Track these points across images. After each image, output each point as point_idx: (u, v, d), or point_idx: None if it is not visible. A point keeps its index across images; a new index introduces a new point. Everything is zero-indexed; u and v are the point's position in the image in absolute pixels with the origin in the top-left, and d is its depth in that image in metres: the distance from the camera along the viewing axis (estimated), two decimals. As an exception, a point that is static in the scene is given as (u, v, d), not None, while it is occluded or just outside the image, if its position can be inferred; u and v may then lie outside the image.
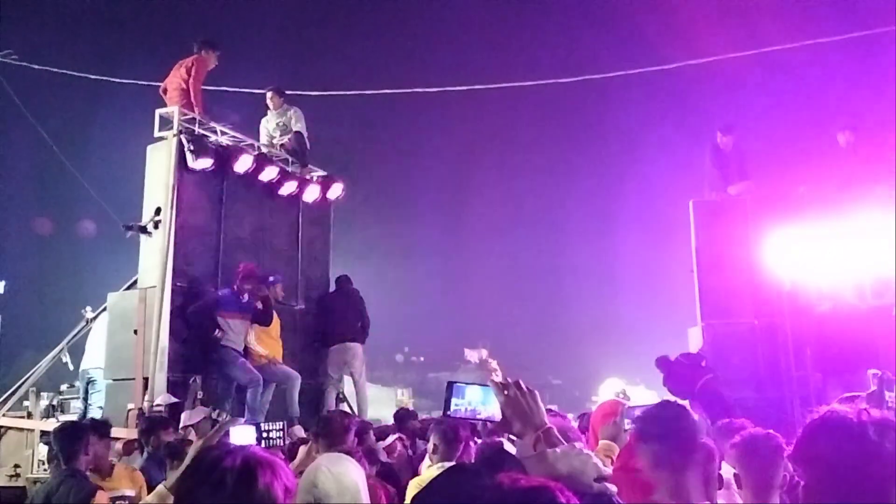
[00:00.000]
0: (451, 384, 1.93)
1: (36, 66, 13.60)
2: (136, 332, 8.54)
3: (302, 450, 4.45)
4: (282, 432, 3.12)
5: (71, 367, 9.86)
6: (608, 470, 1.81)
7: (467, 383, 1.96)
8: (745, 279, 10.26)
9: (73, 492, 4.24)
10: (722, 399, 8.74)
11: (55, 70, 13.91)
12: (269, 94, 10.59)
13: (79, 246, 16.73)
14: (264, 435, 2.97)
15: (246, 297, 8.76)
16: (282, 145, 10.50)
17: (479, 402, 1.96)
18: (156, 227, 8.83)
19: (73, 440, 4.52)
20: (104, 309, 9.30)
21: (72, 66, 13.75)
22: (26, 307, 15.17)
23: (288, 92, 10.90)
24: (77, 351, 9.74)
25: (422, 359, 21.06)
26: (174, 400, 7.95)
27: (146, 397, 8.17)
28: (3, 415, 9.07)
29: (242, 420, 7.12)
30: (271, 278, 9.29)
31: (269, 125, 10.62)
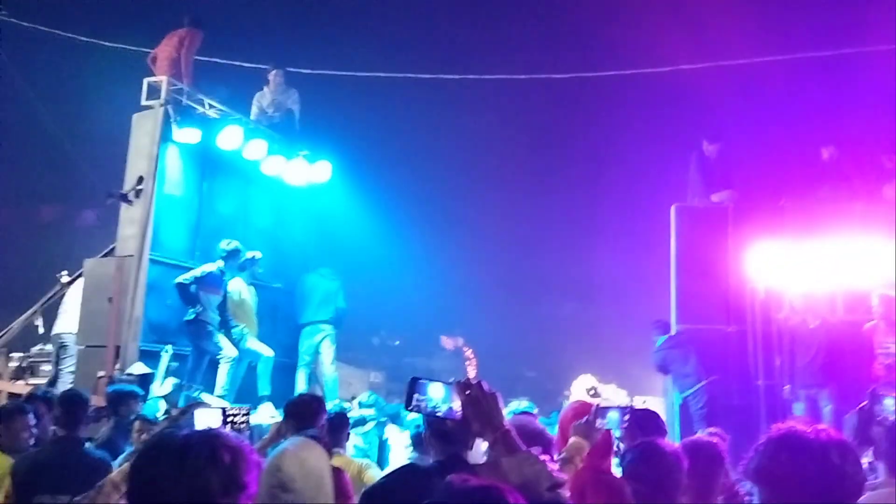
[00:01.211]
0: (414, 380, 1.96)
1: (25, 24, 13.43)
2: (110, 299, 8.51)
3: (272, 429, 4.51)
4: (247, 417, 3.12)
5: (42, 331, 9.81)
6: (563, 477, 1.85)
7: (431, 380, 1.98)
8: (721, 286, 10.36)
9: (82, 458, 4.26)
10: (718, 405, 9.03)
11: (44, 29, 13.72)
12: (273, 71, 10.50)
13: (58, 208, 16.56)
14: (229, 419, 2.97)
15: (226, 274, 8.78)
16: (271, 122, 10.46)
17: (441, 400, 1.99)
18: (137, 196, 8.80)
19: (73, 408, 4.55)
20: (80, 274, 9.25)
21: (63, 27, 13.56)
22: (4, 267, 15.02)
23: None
24: (50, 315, 9.68)
25: (397, 343, 21.07)
26: (146, 370, 7.95)
27: (117, 366, 8.16)
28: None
29: (211, 400, 7.14)
30: (251, 256, 9.28)
31: (263, 101, 10.55)
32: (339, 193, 11.29)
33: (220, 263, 8.78)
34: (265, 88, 10.57)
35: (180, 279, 8.53)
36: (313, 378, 10.20)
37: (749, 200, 10.73)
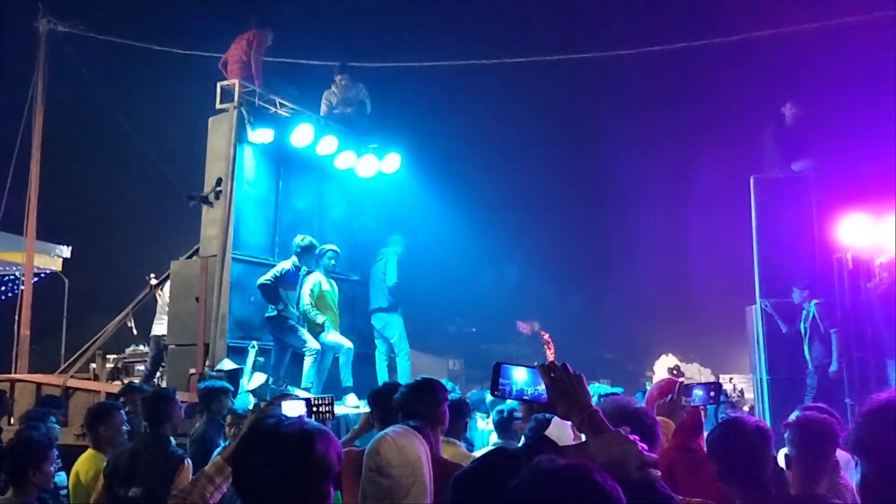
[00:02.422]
0: (499, 365, 1.98)
1: (101, 37, 13.94)
2: (197, 299, 8.80)
3: (361, 419, 4.63)
4: (331, 406, 3.20)
5: (135, 332, 10.23)
6: (653, 456, 1.83)
7: (515, 364, 2.00)
8: (806, 257, 10.05)
9: (161, 457, 4.44)
10: None
11: (119, 41, 14.23)
12: (339, 68, 10.62)
13: (144, 212, 17.18)
14: (314, 409, 3.05)
15: (303, 269, 8.97)
16: (342, 116, 10.59)
17: (526, 384, 2.00)
18: (217, 197, 9.05)
19: (158, 406, 4.72)
20: (167, 276, 9.59)
21: (136, 37, 14.03)
22: (92, 272, 15.69)
23: (352, 63, 10.93)
24: (142, 316, 10.09)
25: (474, 330, 21.14)
26: (234, 366, 8.19)
27: (207, 363, 8.44)
28: (72, 376, 9.47)
29: (294, 393, 7.30)
30: (318, 250, 9.42)
31: (332, 99, 10.68)
32: (411, 183, 11.38)
33: (295, 259, 8.96)
34: (333, 87, 10.69)
35: (262, 280, 8.72)
36: (392, 366, 10.32)
37: (831, 168, 10.35)
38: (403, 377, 9.82)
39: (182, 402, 5.42)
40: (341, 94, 10.63)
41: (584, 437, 1.91)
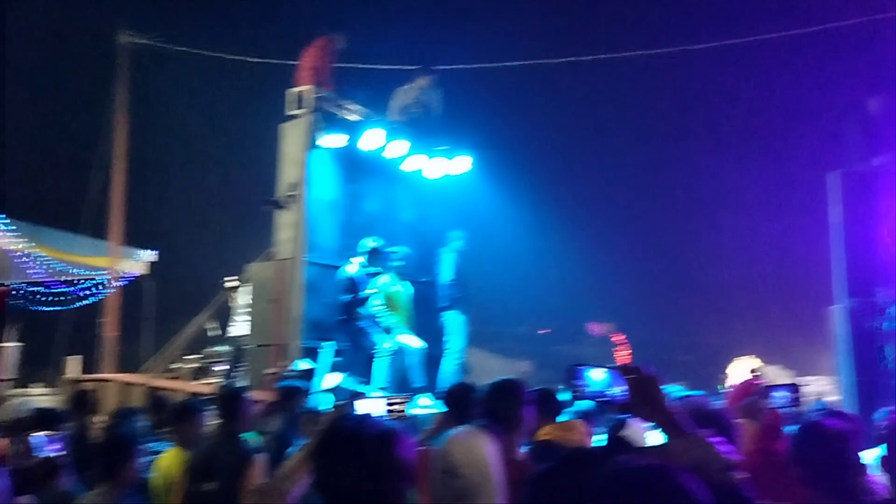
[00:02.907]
0: (574, 366, 1.97)
1: (179, 48, 14.42)
2: (273, 301, 9.00)
3: (434, 419, 4.67)
4: (405, 406, 3.24)
5: (214, 334, 10.54)
6: (734, 459, 1.80)
7: (592, 366, 1.99)
8: (892, 255, 9.64)
9: (234, 453, 4.57)
10: None
11: (195, 51, 14.68)
12: (422, 69, 10.68)
13: (222, 217, 17.66)
14: (389, 408, 3.10)
15: (372, 270, 9.09)
16: (411, 119, 10.67)
17: (603, 384, 1.99)
18: (290, 202, 9.24)
19: (231, 403, 4.85)
20: (243, 279, 9.84)
21: (210, 48, 14.46)
22: (176, 275, 16.22)
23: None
24: (221, 318, 10.38)
25: (545, 332, 20.99)
26: (309, 366, 8.34)
27: (283, 362, 8.62)
28: (155, 376, 9.82)
29: (370, 392, 7.38)
30: (387, 252, 9.51)
31: (406, 97, 10.73)
32: (481, 184, 11.39)
33: (363, 261, 9.07)
34: (410, 86, 10.72)
35: (342, 297, 8.85)
36: (461, 366, 10.31)
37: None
38: (447, 377, 9.80)
39: (259, 400, 5.55)
40: (418, 95, 10.67)
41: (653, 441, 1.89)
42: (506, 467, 3.03)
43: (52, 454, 2.73)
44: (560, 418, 7.03)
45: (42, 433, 4.17)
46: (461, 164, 10.90)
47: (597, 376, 1.96)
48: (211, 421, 5.55)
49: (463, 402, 4.20)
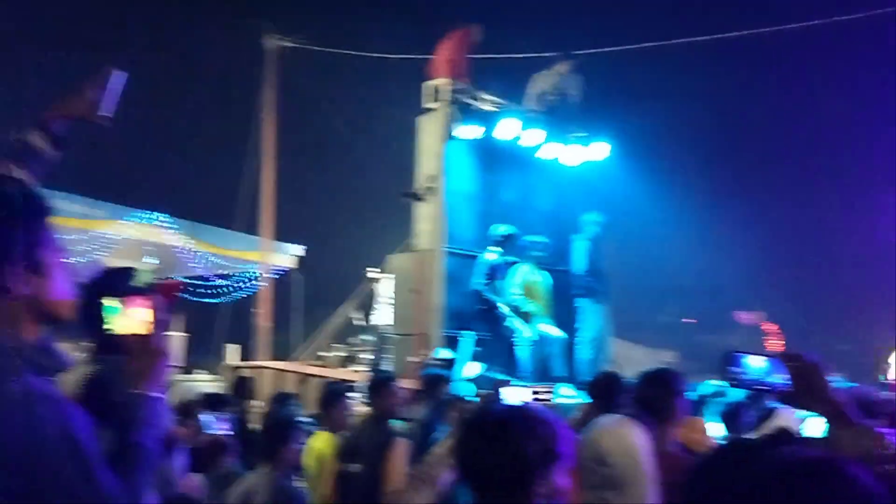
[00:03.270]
0: (731, 353, 1.92)
1: (320, 49, 14.98)
2: (414, 291, 9.22)
3: (579, 409, 4.67)
4: (550, 393, 3.25)
5: (360, 323, 10.92)
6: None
7: (748, 353, 1.93)
8: None
9: (377, 436, 4.78)
10: None
11: (336, 51, 15.21)
12: (563, 55, 10.59)
13: (364, 210, 18.24)
14: (535, 395, 3.11)
15: (508, 258, 9.14)
16: (545, 106, 10.61)
17: (762, 372, 1.92)
18: (428, 193, 9.42)
19: (377, 390, 5.06)
20: (385, 270, 10.14)
21: (351, 47, 14.92)
22: (324, 267, 16.92)
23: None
24: (366, 307, 10.75)
25: (690, 320, 20.33)
26: (450, 354, 8.49)
27: (425, 351, 8.82)
28: (308, 364, 10.29)
29: (517, 380, 7.43)
30: (525, 242, 9.49)
31: (544, 82, 10.68)
32: (620, 170, 11.17)
33: (497, 249, 9.12)
34: (548, 71, 10.65)
35: (476, 286, 8.95)
36: (598, 355, 10.18)
37: None
38: (585, 366, 9.67)
39: (403, 388, 5.73)
40: (556, 81, 10.59)
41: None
42: (658, 459, 2.98)
43: (221, 434, 2.93)
44: (711, 409, 6.82)
45: (210, 414, 4.50)
46: (599, 150, 10.74)
47: (756, 363, 1.90)
48: (358, 406, 5.79)
49: (608, 392, 4.17)
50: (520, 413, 2.01)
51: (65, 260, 1.83)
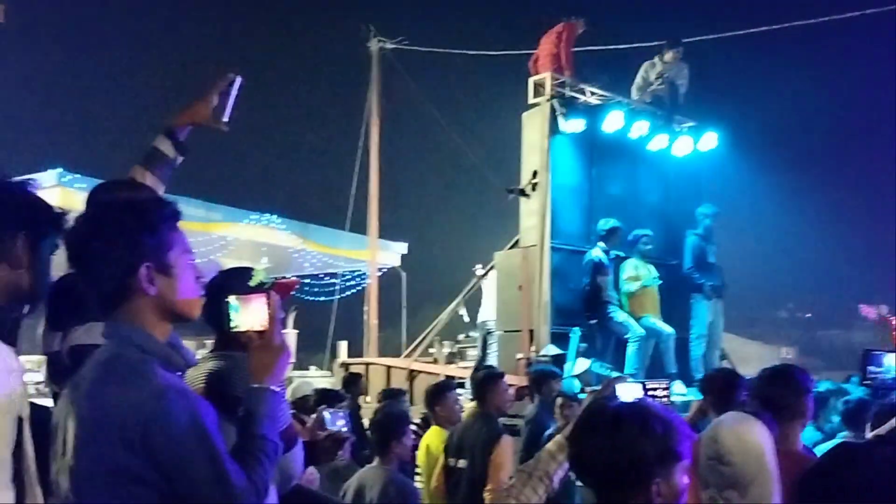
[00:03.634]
0: (868, 352, 1.81)
1: (423, 49, 15.16)
2: (520, 287, 9.18)
3: (693, 406, 4.52)
4: (667, 391, 3.16)
5: (467, 320, 10.99)
6: None
7: (886, 351, 1.82)
8: None
9: (483, 432, 4.79)
10: None
11: (439, 50, 15.36)
12: (670, 43, 10.35)
13: (467, 208, 18.39)
14: (649, 392, 3.03)
15: (610, 252, 8.97)
16: (652, 97, 10.36)
17: (900, 370, 1.81)
18: (533, 189, 9.35)
19: (482, 386, 5.07)
20: (492, 266, 10.15)
21: (452, 46, 15.04)
22: (426, 265, 17.14)
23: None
24: (471, 304, 10.81)
25: (809, 315, 19.42)
26: (558, 351, 8.42)
27: (532, 348, 8.78)
28: (415, 360, 10.44)
29: (629, 377, 7.29)
30: (632, 236, 9.28)
31: (651, 72, 10.45)
32: (731, 160, 10.79)
33: (602, 244, 8.96)
34: (656, 59, 10.40)
35: (583, 282, 8.84)
36: (723, 353, 9.85)
37: None
38: (696, 363, 9.35)
39: (510, 385, 5.71)
40: (663, 70, 10.33)
41: None
42: (782, 458, 2.86)
43: (338, 429, 3.00)
44: (832, 407, 6.50)
45: (329, 409, 4.61)
46: (708, 140, 10.40)
47: (892, 361, 1.79)
48: (466, 402, 5.81)
49: (724, 389, 4.02)
50: (636, 410, 1.96)
51: (191, 261, 1.91)
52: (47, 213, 1.97)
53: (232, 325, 1.94)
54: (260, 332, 1.93)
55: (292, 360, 12.77)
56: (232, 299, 1.94)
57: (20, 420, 1.83)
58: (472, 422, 5.01)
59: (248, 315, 1.93)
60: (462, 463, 4.84)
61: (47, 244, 1.96)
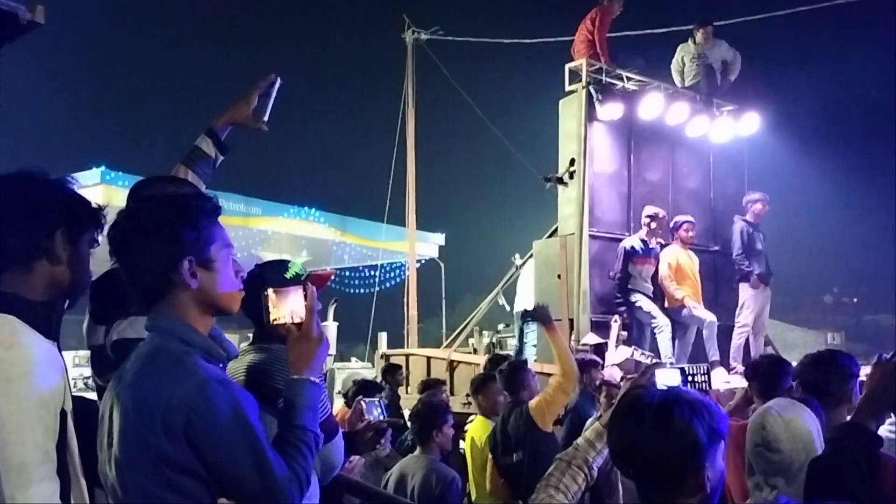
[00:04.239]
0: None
1: (459, 39, 15.13)
2: (559, 276, 9.13)
3: (738, 394, 4.48)
4: (707, 376, 3.12)
5: (507, 309, 10.97)
6: None
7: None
8: None
9: (518, 420, 4.81)
10: None
11: (474, 40, 15.32)
12: (700, 21, 10.14)
13: (504, 198, 18.35)
14: (689, 378, 3.00)
15: (653, 242, 8.87)
16: (691, 81, 10.21)
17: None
18: (571, 177, 9.28)
19: (515, 376, 5.08)
20: (531, 256, 10.11)
21: (488, 35, 14.98)
22: (463, 255, 17.17)
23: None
24: (510, 294, 10.78)
25: (855, 300, 19.04)
26: (598, 340, 8.37)
27: (572, 337, 8.73)
28: (455, 350, 10.45)
29: (668, 363, 7.23)
30: (673, 223, 9.17)
31: (685, 54, 10.28)
32: (773, 144, 10.58)
33: (643, 232, 8.88)
34: (690, 42, 10.24)
35: (613, 275, 8.77)
36: (768, 340, 9.68)
37: None
38: (738, 350, 9.22)
39: (550, 374, 5.68)
40: (696, 51, 10.16)
41: None
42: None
43: (379, 419, 3.03)
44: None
45: (369, 399, 4.65)
46: (749, 123, 10.21)
47: None
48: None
49: (769, 376, 3.96)
50: (679, 395, 1.94)
51: (232, 255, 1.94)
52: (86, 208, 2.00)
53: (271, 317, 1.96)
54: (298, 324, 1.95)
55: (332, 351, 12.90)
56: (270, 292, 1.97)
57: (63, 414, 1.87)
58: (506, 414, 5.02)
59: (286, 307, 1.95)
60: (517, 456, 4.84)
61: (86, 239, 1.99)
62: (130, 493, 1.76)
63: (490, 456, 5.07)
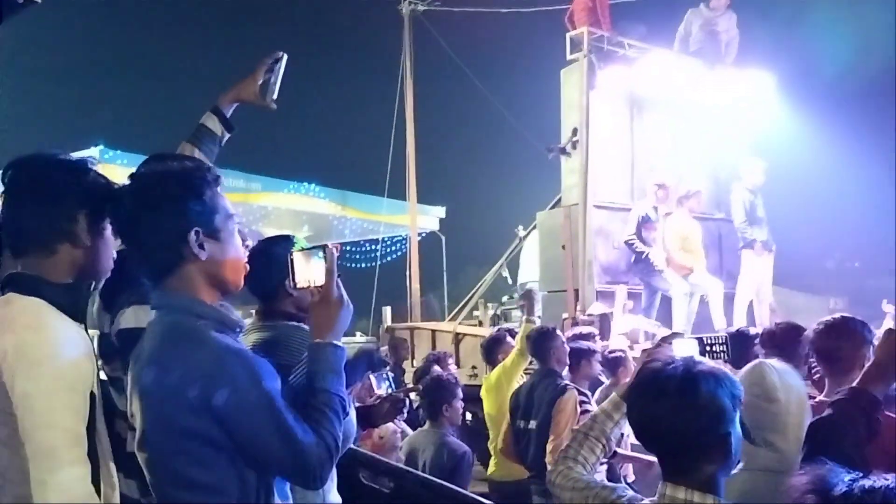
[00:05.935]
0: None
1: (455, 10, 14.95)
2: (563, 247, 9.11)
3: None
4: (725, 346, 3.08)
5: (510, 281, 10.95)
6: None
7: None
8: None
9: (549, 388, 4.82)
10: None
11: (471, 10, 15.13)
12: None
13: (504, 169, 18.28)
14: (707, 348, 2.97)
15: (660, 210, 8.82)
16: (695, 46, 10.09)
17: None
18: (574, 147, 9.22)
19: (544, 342, 5.07)
20: (534, 227, 10.06)
21: (485, 4, 14.79)
22: (465, 228, 17.12)
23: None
24: (514, 265, 10.76)
25: (857, 265, 19.01)
26: (604, 309, 8.35)
27: (578, 307, 8.72)
28: (459, 323, 10.45)
29: (684, 333, 7.20)
30: (686, 191, 9.11)
31: (695, 20, 10.15)
32: (776, 107, 10.48)
33: (651, 200, 8.82)
34: (702, 6, 10.09)
35: (626, 239, 8.71)
36: (772, 308, 9.66)
37: None
38: (742, 317, 9.21)
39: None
40: (708, 18, 10.02)
41: None
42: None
43: (388, 393, 3.01)
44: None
45: (377, 374, 4.65)
46: (753, 89, 10.11)
47: None
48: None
49: (788, 343, 3.93)
50: (700, 367, 1.91)
51: (236, 225, 1.91)
52: (107, 190, 1.97)
53: (296, 281, 1.93)
54: (319, 288, 1.92)
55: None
56: (296, 254, 1.94)
57: (93, 396, 1.85)
58: (537, 380, 5.01)
59: (307, 271, 1.92)
60: (533, 424, 4.84)
61: (108, 222, 1.96)
62: (158, 472, 1.76)
63: (509, 417, 5.09)
